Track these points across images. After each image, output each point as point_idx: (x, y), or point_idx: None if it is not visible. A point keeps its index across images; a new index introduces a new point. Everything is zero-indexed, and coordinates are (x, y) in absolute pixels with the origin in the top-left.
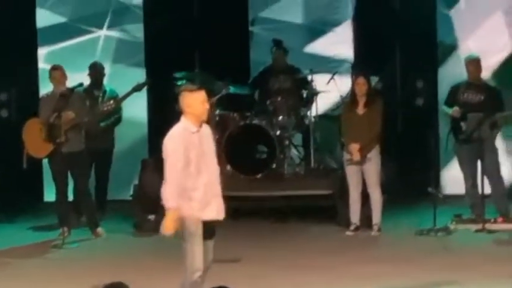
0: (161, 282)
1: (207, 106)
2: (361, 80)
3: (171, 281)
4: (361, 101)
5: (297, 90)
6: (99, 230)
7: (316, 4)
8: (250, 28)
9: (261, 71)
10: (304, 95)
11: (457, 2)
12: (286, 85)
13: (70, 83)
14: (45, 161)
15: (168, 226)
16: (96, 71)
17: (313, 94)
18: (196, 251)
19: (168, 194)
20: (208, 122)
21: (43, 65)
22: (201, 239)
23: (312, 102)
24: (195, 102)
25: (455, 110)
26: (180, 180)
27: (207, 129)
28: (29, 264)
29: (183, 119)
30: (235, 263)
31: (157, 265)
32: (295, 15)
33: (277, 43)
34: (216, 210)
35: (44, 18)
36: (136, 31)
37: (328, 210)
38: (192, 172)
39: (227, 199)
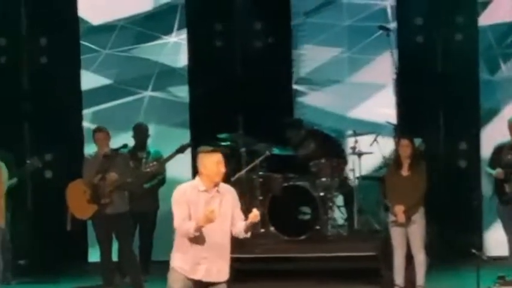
0: None
1: (222, 168)
2: (405, 142)
3: None
4: (406, 163)
5: (324, 151)
6: None
7: (360, 65)
8: (295, 87)
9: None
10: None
11: (499, 68)
12: (312, 148)
13: (114, 144)
14: (89, 222)
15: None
16: (140, 132)
17: (357, 155)
18: None
19: (184, 231)
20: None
21: (88, 125)
22: None
23: (346, 163)
24: (210, 163)
25: (498, 172)
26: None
27: (226, 192)
28: None
29: (196, 177)
30: None
31: None
32: (340, 74)
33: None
34: (204, 272)
35: (89, 80)
36: (181, 92)
37: (371, 273)
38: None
39: (270, 260)
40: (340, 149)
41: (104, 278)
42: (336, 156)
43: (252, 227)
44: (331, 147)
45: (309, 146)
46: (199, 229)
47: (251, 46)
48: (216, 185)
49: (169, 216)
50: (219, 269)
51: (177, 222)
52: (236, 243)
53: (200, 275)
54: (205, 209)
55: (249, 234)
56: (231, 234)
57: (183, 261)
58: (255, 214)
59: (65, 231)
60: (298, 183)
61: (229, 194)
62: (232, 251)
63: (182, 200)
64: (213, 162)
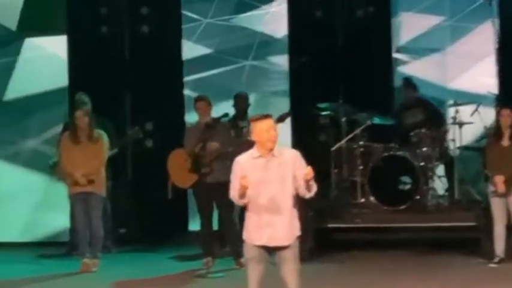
0: None
1: (272, 133)
2: (506, 112)
3: None
4: (506, 133)
5: (430, 122)
6: (243, 260)
7: (461, 33)
8: (395, 55)
9: (400, 103)
10: (441, 126)
11: None
12: (419, 118)
13: (215, 113)
14: (190, 191)
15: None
16: (241, 101)
17: (458, 125)
18: (248, 274)
19: (235, 200)
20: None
21: (189, 93)
22: (254, 264)
23: (453, 133)
24: (260, 130)
25: None
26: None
27: (284, 155)
28: None
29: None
30: None
31: None
32: (441, 43)
33: (406, 83)
34: (267, 237)
35: (190, 49)
36: (281, 62)
37: (471, 243)
38: (250, 195)
39: (370, 230)
40: (443, 120)
41: (203, 247)
42: (438, 127)
43: (311, 186)
44: (436, 117)
45: (416, 114)
46: (242, 195)
47: (351, 15)
48: (271, 150)
49: None
50: (283, 232)
51: (233, 195)
52: (336, 213)
53: (264, 240)
54: (262, 174)
55: (313, 193)
56: (297, 195)
57: (248, 229)
58: (306, 172)
59: (165, 200)
60: (399, 153)
61: (287, 156)
62: (332, 221)
63: (236, 170)
64: (262, 128)
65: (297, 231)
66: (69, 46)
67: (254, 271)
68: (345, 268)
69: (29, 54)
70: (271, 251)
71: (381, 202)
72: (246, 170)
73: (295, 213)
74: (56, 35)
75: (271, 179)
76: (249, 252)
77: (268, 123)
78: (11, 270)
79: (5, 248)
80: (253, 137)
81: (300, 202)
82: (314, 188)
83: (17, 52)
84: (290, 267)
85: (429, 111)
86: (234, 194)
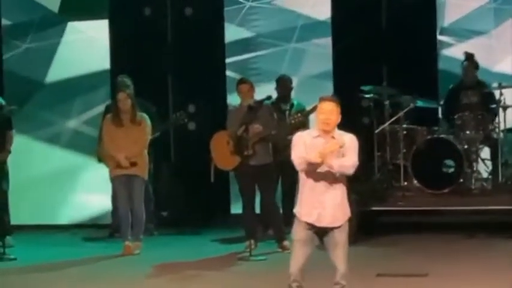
0: None
1: (328, 116)
2: None
3: None
4: None
5: (484, 105)
6: (286, 243)
7: (505, 16)
8: (439, 37)
9: (450, 87)
10: (492, 110)
11: None
12: (474, 100)
13: (258, 95)
14: (232, 174)
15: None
16: (283, 84)
17: (502, 108)
18: (293, 255)
19: (299, 161)
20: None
21: (231, 74)
22: (300, 244)
23: (498, 116)
24: (318, 112)
25: None
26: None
27: (342, 139)
28: (215, 277)
29: None
30: (423, 277)
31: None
32: (485, 25)
33: (469, 57)
34: (317, 215)
35: (233, 32)
36: (324, 44)
37: None
38: (308, 171)
39: (414, 213)
40: (495, 105)
41: (246, 230)
42: (489, 111)
43: (340, 166)
44: (490, 102)
45: (473, 96)
46: (312, 165)
47: None
48: (326, 132)
49: None
50: (333, 214)
51: (294, 157)
52: (380, 196)
53: (312, 219)
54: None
55: (347, 172)
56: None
57: (300, 204)
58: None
59: (208, 183)
60: (442, 135)
61: (345, 139)
62: (375, 204)
63: (299, 141)
64: (320, 111)
65: (347, 212)
66: (112, 29)
67: (299, 251)
68: (388, 251)
69: (71, 37)
70: (320, 232)
71: (424, 185)
72: (307, 145)
73: (345, 195)
74: (98, 19)
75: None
76: (297, 232)
77: (326, 105)
78: (55, 252)
79: (48, 230)
80: (316, 115)
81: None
82: (343, 167)
83: (60, 35)
84: (339, 252)
85: (485, 95)
86: (297, 160)
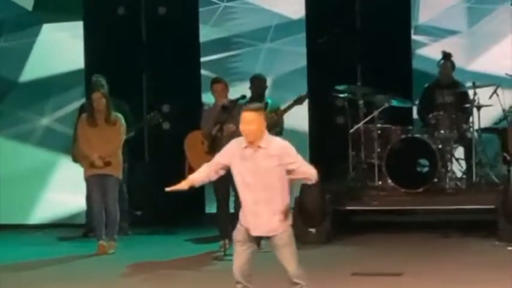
0: None
1: (248, 127)
2: None
3: None
4: None
5: (459, 105)
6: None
7: (478, 16)
8: (413, 37)
9: (426, 86)
10: (466, 109)
11: None
12: (449, 99)
13: (232, 95)
14: None
15: None
16: (258, 83)
17: (477, 108)
18: (234, 256)
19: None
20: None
21: (205, 73)
22: (239, 245)
23: (472, 116)
24: (241, 120)
25: None
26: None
27: (270, 147)
28: (189, 276)
29: None
30: (398, 276)
31: (318, 277)
32: (459, 24)
33: (447, 56)
34: (252, 225)
35: (207, 32)
36: (299, 43)
37: (489, 225)
38: (238, 183)
39: (388, 212)
40: (469, 105)
41: (220, 230)
42: (463, 111)
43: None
44: (464, 102)
45: (448, 95)
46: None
47: None
48: (252, 142)
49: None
50: (269, 225)
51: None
52: (354, 195)
53: (249, 227)
54: (246, 164)
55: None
56: (284, 186)
57: (242, 209)
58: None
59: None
60: (417, 135)
61: (275, 148)
62: (350, 203)
63: (227, 149)
64: (241, 121)
65: (285, 222)
66: (86, 28)
67: (239, 252)
68: (362, 250)
69: (45, 37)
70: (258, 239)
71: (398, 184)
72: (236, 155)
73: (282, 204)
74: (73, 21)
75: (257, 170)
76: (237, 234)
77: (246, 116)
78: (30, 252)
79: (22, 229)
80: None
81: (319, 185)
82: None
83: (34, 34)
84: (283, 253)
85: (460, 94)
86: (204, 167)
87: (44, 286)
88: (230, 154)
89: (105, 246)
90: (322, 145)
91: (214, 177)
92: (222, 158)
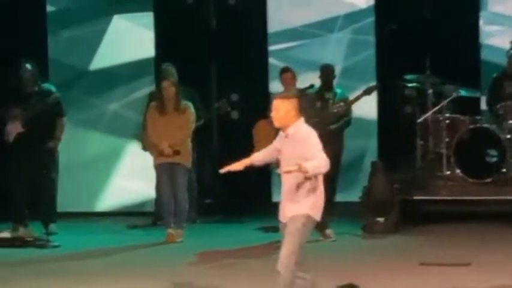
0: (390, 284)
1: (274, 114)
2: None
3: (399, 282)
4: None
5: None
6: (328, 231)
7: None
8: (482, 26)
9: (494, 76)
10: None
11: None
12: None
13: (300, 84)
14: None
15: None
16: (327, 72)
17: None
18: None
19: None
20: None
21: (274, 62)
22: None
23: None
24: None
25: None
26: None
27: (294, 135)
28: (256, 265)
29: None
30: (466, 267)
31: (387, 267)
32: None
33: None
34: (280, 211)
35: (275, 22)
36: (367, 33)
37: None
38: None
39: (456, 203)
40: None
41: None
42: None
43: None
44: None
45: None
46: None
47: None
48: (282, 129)
49: (354, 157)
50: (290, 211)
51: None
52: (422, 185)
53: (279, 215)
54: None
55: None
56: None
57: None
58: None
59: (250, 171)
60: (485, 125)
61: (296, 137)
62: (418, 193)
63: (280, 134)
64: (272, 107)
65: (303, 210)
66: (156, 18)
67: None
68: (430, 240)
69: (115, 26)
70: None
71: (466, 175)
72: (279, 142)
73: (303, 192)
74: (143, 11)
75: (285, 156)
76: (280, 228)
77: (275, 103)
78: (98, 240)
79: (91, 217)
80: None
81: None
82: (316, 170)
83: (105, 24)
84: (286, 238)
85: None
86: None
87: (113, 274)
88: (279, 139)
89: (173, 234)
90: (390, 134)
91: (271, 160)
92: (276, 142)
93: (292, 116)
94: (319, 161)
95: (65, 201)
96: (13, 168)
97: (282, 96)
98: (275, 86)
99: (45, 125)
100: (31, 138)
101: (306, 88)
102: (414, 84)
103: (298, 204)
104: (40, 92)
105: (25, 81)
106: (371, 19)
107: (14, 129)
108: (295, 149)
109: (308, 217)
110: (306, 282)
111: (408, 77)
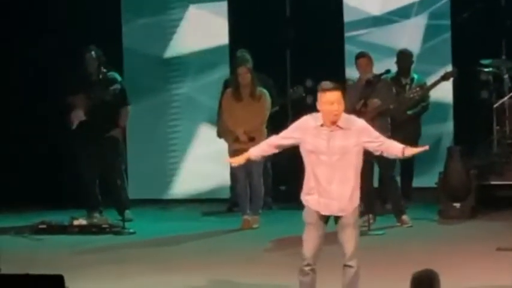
0: (467, 269)
1: (332, 108)
2: None
3: (476, 268)
4: None
5: None
6: (405, 217)
7: None
8: None
9: None
10: None
11: None
12: None
13: (377, 69)
14: None
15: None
16: (404, 58)
17: None
18: (305, 238)
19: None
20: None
21: (350, 48)
22: (311, 227)
23: None
24: (321, 103)
25: None
26: None
27: (349, 126)
28: (331, 252)
29: None
30: None
31: (463, 252)
32: None
33: None
34: (323, 206)
35: (351, 10)
36: (443, 17)
37: None
38: (310, 161)
39: None
40: None
41: (364, 204)
42: None
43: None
44: None
45: None
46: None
47: None
48: (333, 123)
49: (431, 142)
50: (340, 206)
51: (277, 136)
52: (498, 170)
53: (319, 208)
54: (321, 145)
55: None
56: (359, 167)
57: (305, 192)
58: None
59: None
60: None
61: (353, 127)
62: (494, 178)
63: (299, 126)
64: (323, 101)
65: (356, 202)
66: (230, 5)
67: (311, 235)
68: (507, 225)
69: (190, 15)
70: (326, 219)
71: None
72: (309, 132)
73: (355, 184)
74: (217, 1)
75: (332, 149)
76: (306, 216)
77: (332, 95)
78: (173, 226)
79: (164, 204)
80: (317, 105)
81: (464, 160)
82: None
83: (180, 12)
84: (347, 232)
85: None
86: (266, 141)
87: (187, 261)
88: (304, 129)
89: (249, 221)
90: (466, 120)
91: (268, 154)
92: (295, 132)
93: (343, 108)
94: (394, 143)
95: (138, 188)
96: (80, 156)
97: (336, 86)
98: (351, 72)
99: (108, 114)
100: (93, 126)
101: (382, 73)
102: (490, 68)
103: (351, 200)
104: (104, 80)
105: (90, 69)
106: (447, 3)
107: (76, 117)
108: (348, 141)
109: (358, 208)
110: (314, 276)
111: (484, 61)
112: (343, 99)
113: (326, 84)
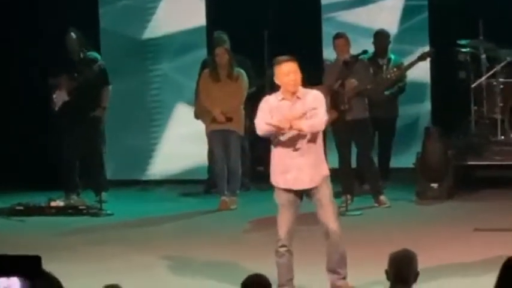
0: (444, 250)
1: (292, 77)
2: None
3: (454, 248)
4: None
5: None
6: (382, 198)
7: None
8: None
9: None
10: None
11: None
12: None
13: (354, 50)
14: (327, 128)
15: None
16: (381, 38)
17: None
18: (279, 219)
19: (262, 128)
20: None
21: (327, 29)
22: (284, 208)
23: None
24: (280, 74)
25: None
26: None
27: (307, 96)
28: (309, 232)
29: None
30: None
31: (441, 233)
32: None
33: None
34: (293, 180)
35: None
36: None
37: None
38: (276, 139)
39: (511, 168)
40: None
41: (342, 185)
42: None
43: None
44: None
45: None
46: (276, 128)
47: None
48: (293, 93)
49: (408, 123)
50: (310, 176)
51: (256, 121)
52: (476, 150)
53: (289, 184)
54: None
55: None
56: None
57: (273, 172)
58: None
59: None
60: None
61: (310, 98)
62: (472, 159)
63: (264, 106)
64: (283, 73)
65: (324, 171)
66: None
67: (284, 215)
68: (485, 206)
69: None
70: (300, 193)
71: None
72: (273, 109)
73: (320, 154)
74: None
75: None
76: (278, 198)
77: (288, 66)
78: (151, 208)
79: (142, 185)
80: (276, 80)
81: (442, 140)
82: (313, 127)
83: None
84: (325, 209)
85: None
86: (259, 125)
87: (166, 242)
88: (269, 108)
89: (227, 201)
90: (444, 100)
91: None
92: (268, 112)
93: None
94: (316, 119)
95: (116, 169)
96: (61, 137)
97: (291, 58)
98: (329, 53)
99: (90, 94)
100: (77, 106)
101: (360, 54)
102: (468, 49)
103: (318, 168)
104: (85, 60)
105: (70, 49)
106: None
107: (60, 97)
108: (308, 109)
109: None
110: (290, 257)
111: (462, 41)
112: (299, 70)
113: (280, 57)
